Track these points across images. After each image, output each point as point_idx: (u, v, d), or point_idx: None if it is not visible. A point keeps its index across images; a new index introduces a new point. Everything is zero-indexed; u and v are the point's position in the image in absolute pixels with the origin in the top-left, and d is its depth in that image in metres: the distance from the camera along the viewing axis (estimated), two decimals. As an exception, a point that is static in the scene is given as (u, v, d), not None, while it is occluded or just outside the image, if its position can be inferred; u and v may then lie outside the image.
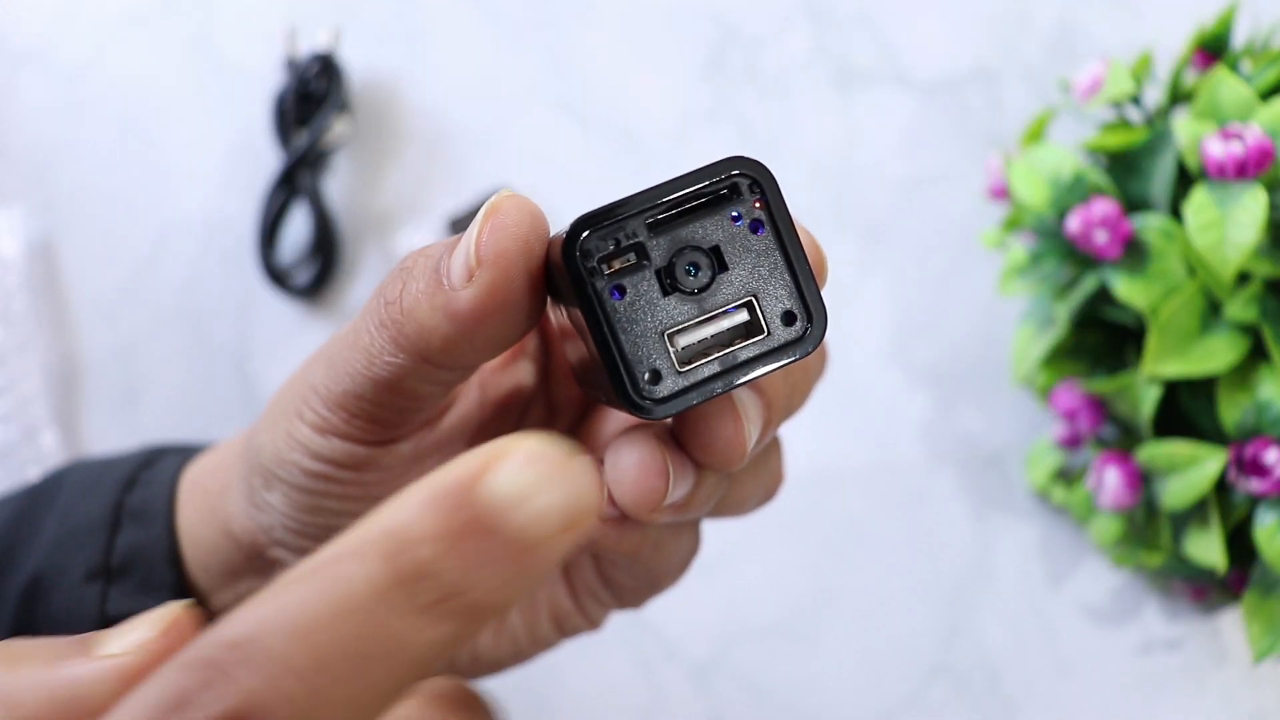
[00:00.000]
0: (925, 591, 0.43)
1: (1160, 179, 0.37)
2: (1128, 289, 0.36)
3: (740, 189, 0.17)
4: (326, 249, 0.48)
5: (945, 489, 0.45)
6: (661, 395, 0.17)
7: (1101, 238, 0.36)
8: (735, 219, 0.17)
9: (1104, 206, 0.36)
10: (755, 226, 0.17)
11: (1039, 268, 0.39)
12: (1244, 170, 0.32)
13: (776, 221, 0.17)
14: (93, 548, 0.27)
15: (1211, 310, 0.35)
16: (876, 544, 0.44)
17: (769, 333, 0.17)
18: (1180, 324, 0.35)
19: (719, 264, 0.17)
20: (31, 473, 0.46)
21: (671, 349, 0.17)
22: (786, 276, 0.17)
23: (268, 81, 0.50)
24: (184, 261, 0.50)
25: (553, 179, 0.50)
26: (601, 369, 0.17)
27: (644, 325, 0.17)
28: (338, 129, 0.48)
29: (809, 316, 0.17)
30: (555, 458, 0.13)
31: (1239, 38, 0.39)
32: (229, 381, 0.48)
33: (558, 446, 0.13)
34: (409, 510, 0.13)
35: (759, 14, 0.51)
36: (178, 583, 0.26)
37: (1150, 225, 0.36)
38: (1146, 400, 0.37)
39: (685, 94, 0.50)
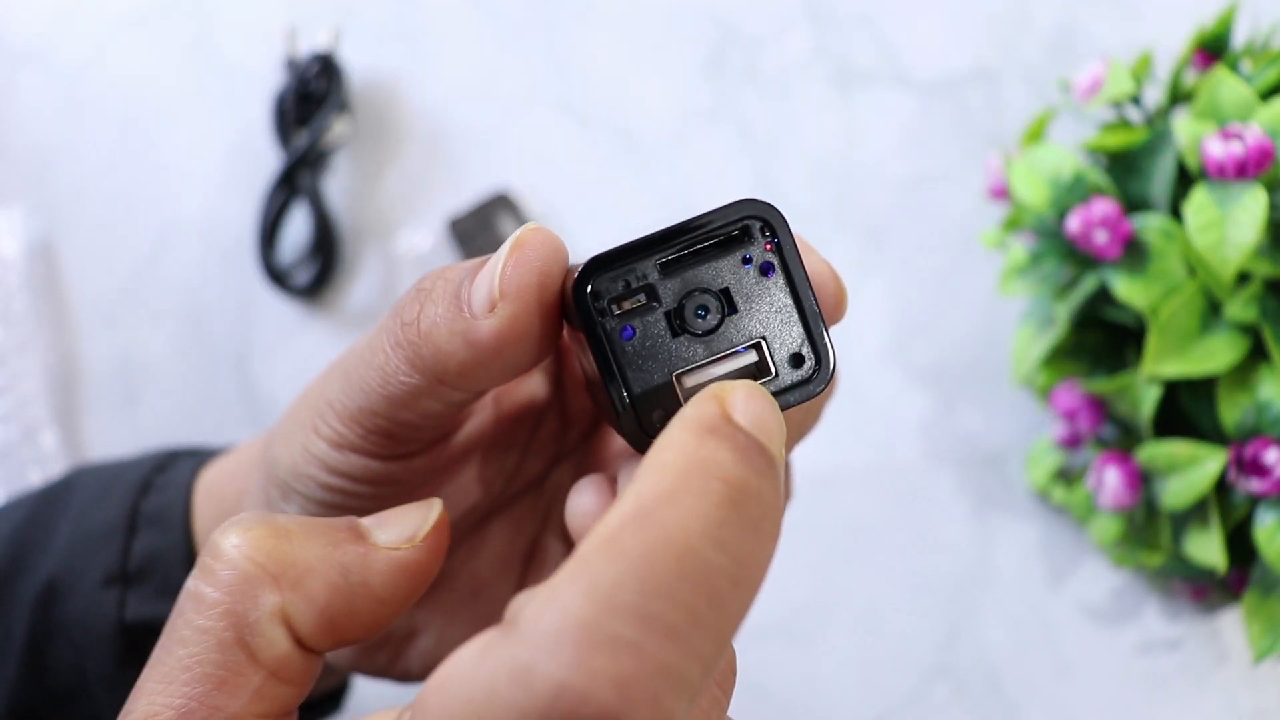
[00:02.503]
0: (925, 591, 0.43)
1: (1160, 179, 0.37)
2: (1128, 289, 0.36)
3: (751, 231, 0.18)
4: (326, 249, 0.48)
5: (945, 489, 0.45)
6: None
7: (1101, 238, 0.36)
8: (746, 261, 0.18)
9: (1104, 206, 0.36)
10: (766, 269, 0.18)
11: (1039, 268, 0.39)
12: (1244, 170, 0.32)
13: (787, 264, 0.18)
14: (109, 552, 0.27)
15: (1211, 310, 0.35)
16: (876, 544, 0.44)
17: (776, 374, 0.18)
18: (1180, 324, 0.35)
19: (729, 306, 0.18)
20: (32, 473, 0.46)
21: (680, 389, 0.17)
22: (795, 319, 0.18)
23: (268, 82, 0.50)
24: (184, 261, 0.50)
25: (553, 179, 0.50)
26: (609, 404, 0.18)
27: (653, 365, 0.17)
28: (338, 129, 0.48)
29: (817, 359, 0.18)
30: (756, 388, 0.15)
31: (1239, 38, 0.39)
32: (229, 381, 0.48)
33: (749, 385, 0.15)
34: (699, 447, 0.14)
35: (759, 14, 0.51)
36: None
37: (1150, 225, 0.36)
38: (1146, 400, 0.37)
39: (685, 94, 0.50)
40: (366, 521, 0.19)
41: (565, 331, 0.20)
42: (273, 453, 0.24)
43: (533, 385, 0.26)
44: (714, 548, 0.13)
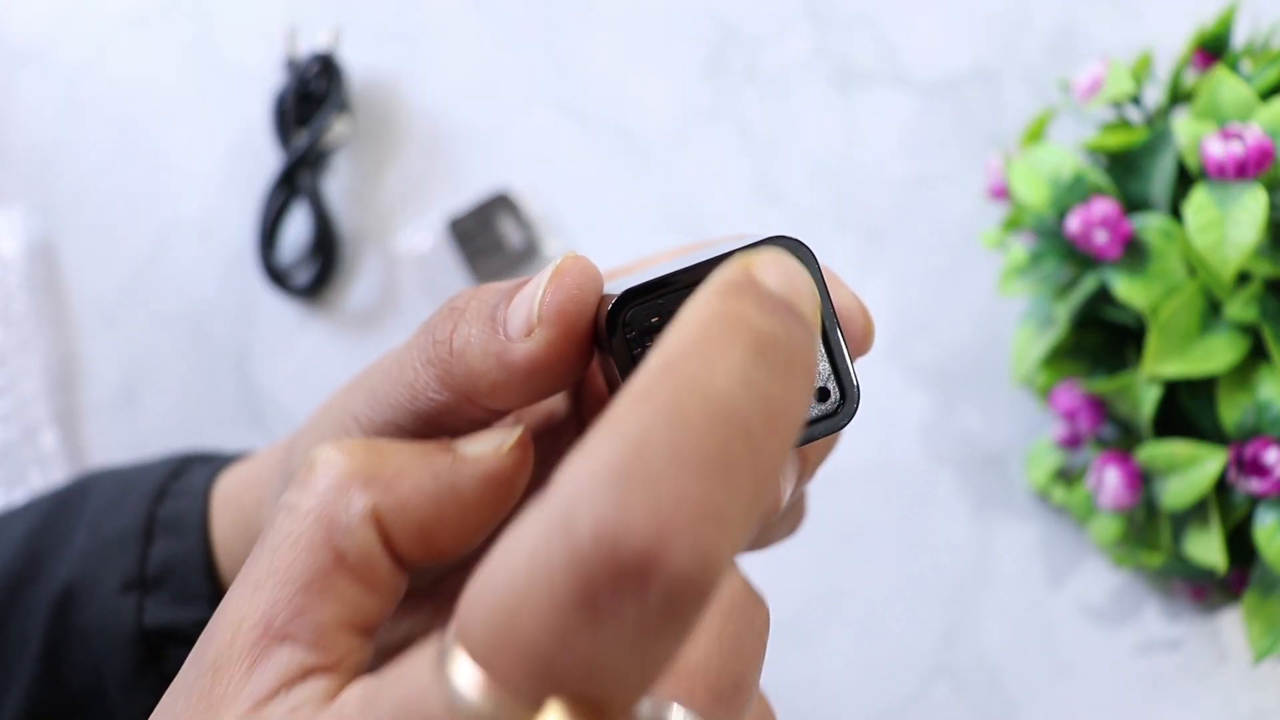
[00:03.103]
0: (925, 591, 0.43)
1: (1160, 179, 0.37)
2: (1128, 289, 0.36)
3: None
4: (326, 249, 0.48)
5: (945, 489, 0.45)
6: None
7: (1101, 238, 0.36)
8: None
9: (1104, 206, 0.36)
10: None
11: (1039, 268, 0.39)
12: (1244, 170, 0.32)
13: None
14: (127, 559, 0.27)
15: (1211, 310, 0.35)
16: (877, 544, 0.44)
17: None
18: (1180, 324, 0.35)
19: None
20: (31, 473, 0.46)
21: None
22: (822, 353, 0.18)
23: (268, 82, 0.50)
24: (184, 261, 0.50)
25: (553, 179, 0.50)
26: None
27: None
28: (338, 129, 0.48)
29: (842, 393, 0.18)
30: (783, 254, 0.15)
31: (1239, 38, 0.39)
32: (229, 381, 0.48)
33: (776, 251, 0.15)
34: (723, 303, 0.14)
35: (759, 14, 0.51)
36: (213, 593, 0.27)
37: (1150, 225, 0.36)
38: (1146, 400, 0.37)
39: (685, 94, 0.50)
40: (458, 440, 0.19)
41: (596, 356, 0.21)
42: (293, 463, 0.24)
43: (553, 401, 0.26)
44: (743, 388, 0.13)
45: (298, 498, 0.17)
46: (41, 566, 0.28)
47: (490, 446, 0.19)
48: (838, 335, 0.18)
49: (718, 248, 0.19)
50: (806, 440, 0.18)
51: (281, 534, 0.17)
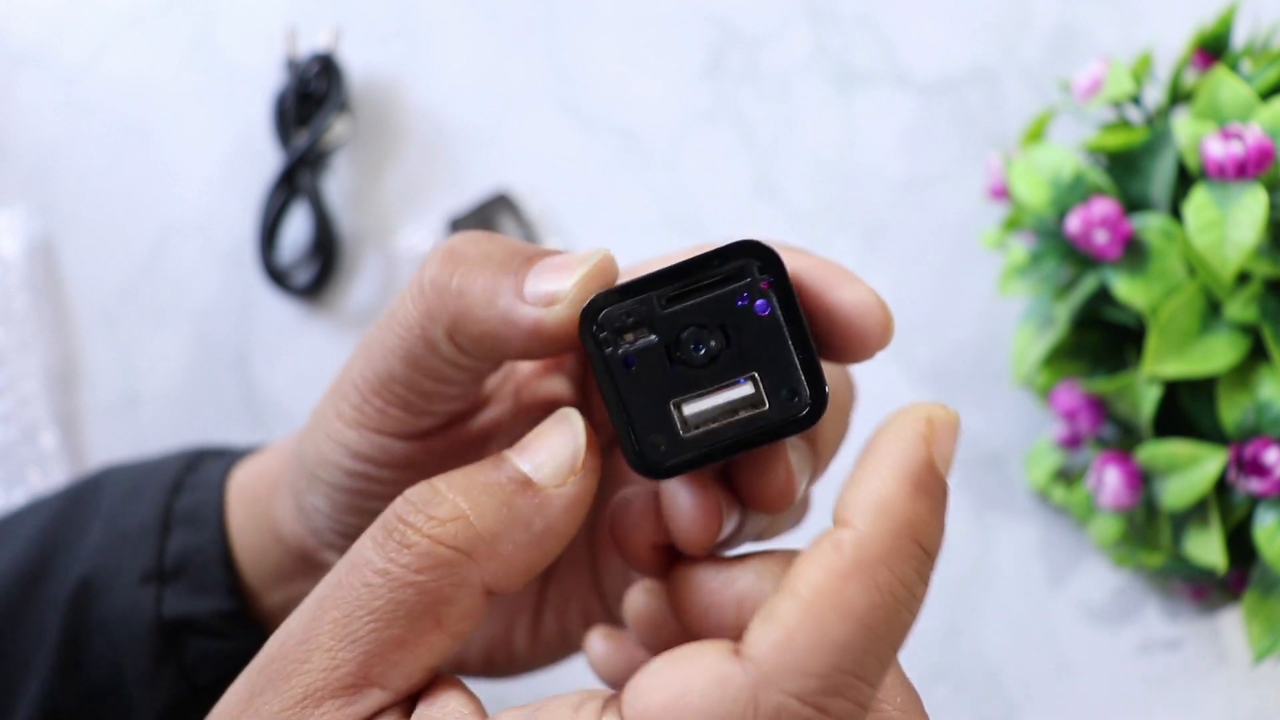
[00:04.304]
0: (925, 591, 0.43)
1: (1160, 179, 0.37)
2: (1128, 289, 0.36)
3: (750, 270, 0.18)
4: (326, 249, 0.48)
5: (945, 489, 0.45)
6: (665, 460, 0.19)
7: (1101, 238, 0.36)
8: (742, 298, 0.18)
9: (1104, 206, 0.36)
10: (762, 306, 0.18)
11: (1039, 268, 0.39)
12: (1244, 170, 0.32)
13: (782, 302, 0.18)
14: (144, 551, 0.27)
15: (1211, 310, 0.35)
16: (876, 544, 0.44)
17: (770, 406, 0.19)
18: (1180, 324, 0.35)
19: (725, 340, 0.18)
20: (31, 473, 0.46)
21: (677, 417, 0.19)
22: (790, 353, 0.18)
23: (268, 81, 0.50)
24: (184, 261, 0.50)
25: (553, 179, 0.50)
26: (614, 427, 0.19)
27: (652, 394, 0.19)
28: (338, 129, 0.48)
29: (810, 392, 0.18)
30: (950, 420, 0.17)
31: (1239, 38, 0.39)
32: (229, 381, 0.48)
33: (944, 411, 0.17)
34: (912, 506, 0.16)
35: (759, 14, 0.51)
36: (231, 583, 0.27)
37: (1150, 225, 0.36)
38: (1146, 400, 0.37)
39: (685, 94, 0.50)
40: (515, 457, 0.19)
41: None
42: (302, 446, 0.24)
43: (555, 384, 0.27)
44: (907, 609, 0.15)
45: (394, 568, 0.17)
46: (57, 560, 0.28)
47: (562, 467, 0.19)
48: (806, 336, 0.18)
49: (691, 251, 0.19)
50: (774, 440, 0.19)
51: (381, 598, 0.17)
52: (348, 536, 0.25)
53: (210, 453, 0.31)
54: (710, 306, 0.18)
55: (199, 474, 0.29)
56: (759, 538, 0.24)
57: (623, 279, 0.20)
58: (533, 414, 0.26)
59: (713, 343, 0.18)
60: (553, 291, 0.19)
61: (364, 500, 0.24)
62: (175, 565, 0.27)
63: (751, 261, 0.18)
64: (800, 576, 0.15)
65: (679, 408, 0.19)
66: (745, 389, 0.18)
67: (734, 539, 0.22)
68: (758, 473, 0.20)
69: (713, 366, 0.18)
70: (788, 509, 0.21)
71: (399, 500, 0.18)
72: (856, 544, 0.15)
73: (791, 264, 0.21)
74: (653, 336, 0.18)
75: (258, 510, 0.27)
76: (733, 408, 0.19)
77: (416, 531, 0.18)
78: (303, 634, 0.18)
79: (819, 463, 0.23)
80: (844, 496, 0.16)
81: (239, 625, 0.27)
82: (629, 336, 0.19)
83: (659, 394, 0.18)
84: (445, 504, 0.18)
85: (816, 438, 0.22)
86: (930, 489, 0.16)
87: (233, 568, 0.27)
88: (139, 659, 0.27)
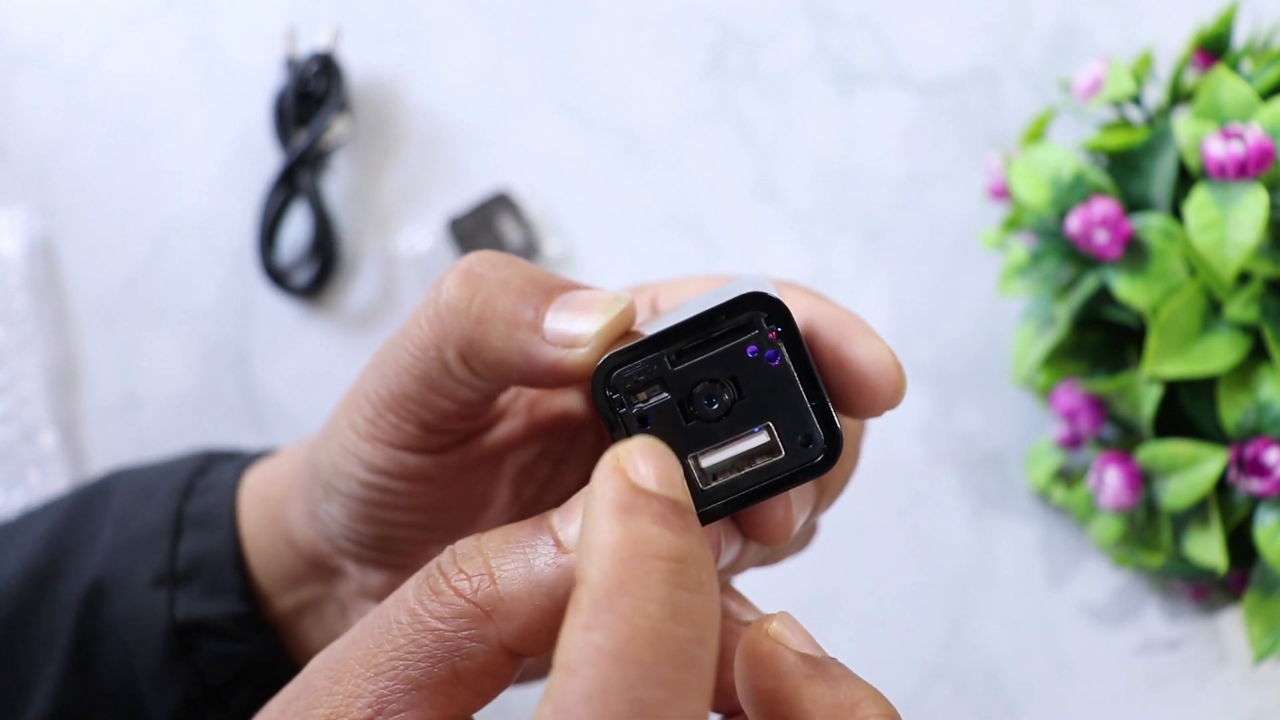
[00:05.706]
0: (925, 592, 0.43)
1: (1161, 179, 0.37)
2: (1128, 289, 0.35)
3: (758, 322, 0.19)
4: (326, 249, 0.48)
5: (946, 489, 0.45)
6: None
7: (1102, 238, 0.36)
8: (752, 350, 0.19)
9: (1104, 206, 0.36)
10: (772, 357, 0.19)
11: (1039, 268, 0.39)
12: (1244, 170, 0.32)
13: (792, 351, 0.19)
14: (156, 554, 0.27)
15: (1212, 310, 0.35)
16: (877, 544, 0.44)
17: (786, 454, 0.19)
18: (1180, 324, 0.35)
19: (737, 392, 0.19)
20: (31, 473, 0.46)
21: (696, 471, 0.19)
22: (802, 400, 0.19)
23: (267, 81, 0.50)
24: (184, 261, 0.50)
25: (553, 179, 0.50)
26: None
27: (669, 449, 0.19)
28: (337, 129, 0.48)
29: (825, 438, 0.19)
30: (646, 443, 0.17)
31: (1239, 37, 0.39)
32: (229, 381, 0.48)
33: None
34: (625, 530, 0.15)
35: (759, 14, 0.51)
36: (243, 586, 0.27)
37: (1150, 225, 0.36)
38: (1147, 400, 0.37)
39: (685, 94, 0.50)
40: (556, 518, 0.19)
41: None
42: (316, 455, 0.24)
43: (568, 400, 0.27)
44: (674, 621, 0.15)
45: (421, 613, 0.18)
46: (68, 562, 0.28)
47: None
48: (818, 383, 0.19)
49: (707, 298, 0.20)
50: (792, 488, 0.19)
51: (405, 636, 0.18)
52: (361, 544, 0.25)
53: (220, 455, 0.31)
54: (721, 360, 0.19)
55: (210, 477, 0.29)
56: (763, 564, 0.24)
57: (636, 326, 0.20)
58: (547, 429, 0.26)
59: (725, 396, 0.19)
60: (575, 335, 0.19)
61: (379, 510, 0.24)
62: (188, 568, 0.27)
63: (758, 313, 0.18)
64: (559, 647, 0.15)
65: (697, 460, 0.19)
66: (761, 438, 0.19)
67: (735, 567, 0.22)
68: (756, 507, 0.20)
69: (727, 419, 0.19)
70: (784, 542, 0.21)
71: (446, 549, 0.19)
72: (587, 591, 0.15)
73: (809, 311, 0.21)
74: (665, 394, 0.19)
75: (270, 514, 0.27)
76: (749, 456, 0.19)
77: (446, 581, 0.18)
78: (342, 653, 0.18)
79: (827, 495, 0.23)
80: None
81: (252, 628, 0.27)
82: (642, 395, 0.19)
83: (675, 449, 0.18)
84: (476, 560, 0.18)
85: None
86: (639, 505, 0.16)
87: (245, 571, 0.27)
88: (151, 660, 0.27)
